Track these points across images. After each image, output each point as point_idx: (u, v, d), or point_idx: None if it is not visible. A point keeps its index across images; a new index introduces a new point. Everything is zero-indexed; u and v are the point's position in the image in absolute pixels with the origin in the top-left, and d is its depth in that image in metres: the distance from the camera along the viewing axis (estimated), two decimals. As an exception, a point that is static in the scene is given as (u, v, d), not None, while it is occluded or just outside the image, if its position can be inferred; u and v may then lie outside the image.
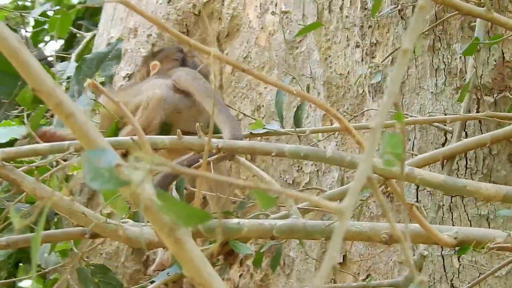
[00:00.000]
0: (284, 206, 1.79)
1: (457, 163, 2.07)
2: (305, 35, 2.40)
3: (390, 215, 0.94)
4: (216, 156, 1.64)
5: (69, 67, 2.77)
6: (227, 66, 2.53)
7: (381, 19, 2.27)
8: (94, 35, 3.01)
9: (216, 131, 1.92)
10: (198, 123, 1.55)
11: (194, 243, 1.09)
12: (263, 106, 2.43)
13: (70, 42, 3.57)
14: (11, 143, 2.01)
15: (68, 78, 2.73)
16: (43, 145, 1.49)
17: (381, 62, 2.18)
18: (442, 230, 1.55)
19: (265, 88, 2.43)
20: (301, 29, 2.22)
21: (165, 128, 2.17)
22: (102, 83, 2.41)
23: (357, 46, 2.31)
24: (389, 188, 1.97)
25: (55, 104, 0.96)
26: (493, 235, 1.56)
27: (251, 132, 1.99)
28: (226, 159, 1.80)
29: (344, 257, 2.16)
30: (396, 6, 2.19)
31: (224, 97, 2.52)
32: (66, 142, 1.47)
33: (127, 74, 2.65)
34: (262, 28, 2.51)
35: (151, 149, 1.16)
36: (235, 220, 1.58)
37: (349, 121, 2.22)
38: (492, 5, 1.95)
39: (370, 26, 2.30)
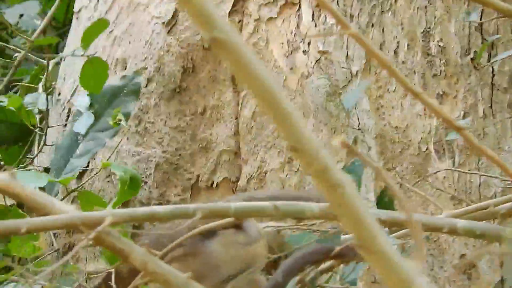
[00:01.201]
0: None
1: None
2: (350, 79, 2.07)
3: None
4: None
5: (40, 99, 2.34)
6: (245, 108, 2.15)
7: (448, 68, 1.98)
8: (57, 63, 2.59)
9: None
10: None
11: None
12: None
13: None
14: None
15: (41, 111, 2.31)
16: (163, 208, 1.12)
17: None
18: None
19: (298, 138, 2.06)
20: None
21: None
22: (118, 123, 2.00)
23: (418, 97, 2.00)
24: None
25: (318, 170, 0.76)
26: None
27: None
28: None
29: None
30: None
31: (242, 146, 2.14)
32: (191, 206, 1.09)
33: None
34: (291, 68, 2.14)
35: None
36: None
37: (413, 185, 1.89)
38: None
39: (435, 75, 2.00)
